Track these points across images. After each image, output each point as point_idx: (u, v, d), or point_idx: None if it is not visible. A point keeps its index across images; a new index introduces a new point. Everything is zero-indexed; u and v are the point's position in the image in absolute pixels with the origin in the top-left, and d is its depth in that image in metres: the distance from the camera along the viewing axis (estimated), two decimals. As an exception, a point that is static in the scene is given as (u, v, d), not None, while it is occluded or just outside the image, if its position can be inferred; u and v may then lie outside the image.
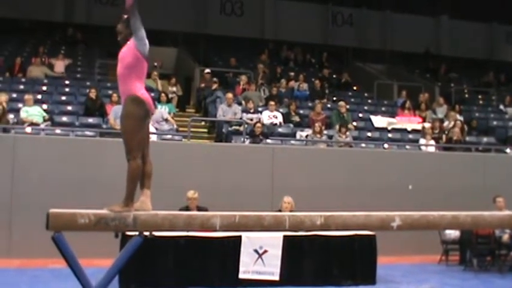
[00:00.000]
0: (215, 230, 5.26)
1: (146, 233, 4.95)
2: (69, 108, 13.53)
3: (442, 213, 5.48)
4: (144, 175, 4.83)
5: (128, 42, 4.83)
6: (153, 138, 12.18)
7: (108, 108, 12.98)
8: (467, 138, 14.88)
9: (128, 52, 4.80)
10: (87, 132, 12.17)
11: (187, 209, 8.92)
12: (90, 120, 12.80)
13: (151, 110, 4.83)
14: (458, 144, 14.02)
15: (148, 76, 15.92)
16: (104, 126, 12.59)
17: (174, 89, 15.78)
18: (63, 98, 14.16)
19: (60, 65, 15.91)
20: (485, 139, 15.35)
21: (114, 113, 12.22)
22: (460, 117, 15.69)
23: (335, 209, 5.55)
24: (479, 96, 19.87)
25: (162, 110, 13.09)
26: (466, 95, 19.86)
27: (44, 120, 12.16)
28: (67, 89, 14.79)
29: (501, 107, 18.24)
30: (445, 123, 15.14)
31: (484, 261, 10.93)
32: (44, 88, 14.50)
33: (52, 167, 10.57)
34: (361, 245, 8.84)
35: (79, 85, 15.10)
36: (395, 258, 10.87)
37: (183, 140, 12.45)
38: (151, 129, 12.11)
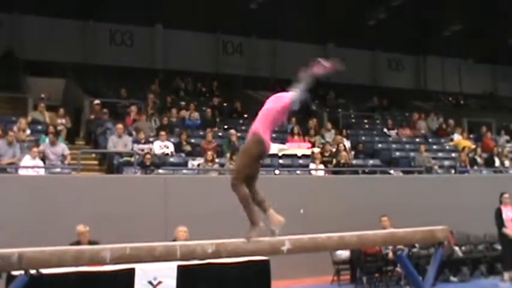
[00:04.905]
0: (106, 264, 5.16)
1: (32, 271, 4.80)
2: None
3: (330, 235, 5.67)
4: (260, 201, 5.33)
5: (287, 94, 5.44)
6: (41, 172, 11.82)
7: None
8: (355, 161, 15.46)
9: (285, 101, 5.37)
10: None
11: (78, 243, 8.69)
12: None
13: (266, 152, 5.25)
14: (346, 167, 14.53)
15: (35, 108, 15.47)
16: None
17: (63, 121, 15.28)
18: None
19: None
20: (371, 161, 16.00)
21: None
22: (347, 142, 16.31)
23: (229, 236, 5.60)
24: (365, 121, 20.74)
25: (64, 146, 12.74)
26: (353, 120, 20.65)
27: None
28: None
29: (385, 130, 19.14)
30: (333, 148, 15.64)
31: (373, 278, 11.39)
32: None
33: None
34: (255, 270, 8.90)
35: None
36: (289, 281, 11.07)
37: (73, 172, 12.15)
38: (40, 162, 11.79)
